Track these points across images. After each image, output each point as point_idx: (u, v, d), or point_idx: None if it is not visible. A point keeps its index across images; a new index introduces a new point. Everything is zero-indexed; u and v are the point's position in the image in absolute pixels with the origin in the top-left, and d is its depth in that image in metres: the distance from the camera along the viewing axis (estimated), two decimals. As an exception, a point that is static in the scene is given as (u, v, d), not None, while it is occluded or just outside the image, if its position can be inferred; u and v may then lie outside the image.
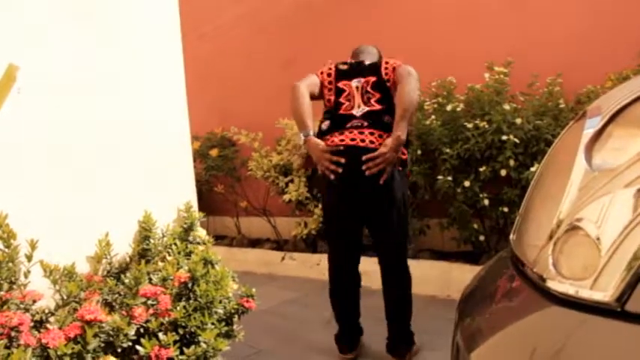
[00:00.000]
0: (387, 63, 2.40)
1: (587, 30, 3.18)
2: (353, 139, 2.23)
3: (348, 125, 2.29)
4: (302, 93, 2.33)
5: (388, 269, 2.36)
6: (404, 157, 2.28)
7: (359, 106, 2.33)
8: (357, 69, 2.42)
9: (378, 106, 2.31)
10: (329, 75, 2.45)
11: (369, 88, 2.34)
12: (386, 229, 2.32)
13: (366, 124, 2.27)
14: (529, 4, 3.45)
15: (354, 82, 2.38)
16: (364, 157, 2.17)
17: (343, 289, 2.42)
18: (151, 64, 2.15)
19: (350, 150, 2.21)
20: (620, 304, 0.65)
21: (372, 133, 2.24)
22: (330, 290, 2.43)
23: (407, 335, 2.36)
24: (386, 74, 2.36)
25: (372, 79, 2.36)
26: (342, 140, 2.25)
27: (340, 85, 2.40)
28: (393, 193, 2.25)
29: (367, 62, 2.46)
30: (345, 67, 2.45)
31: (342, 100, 2.37)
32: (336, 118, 2.35)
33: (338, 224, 2.40)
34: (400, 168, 2.28)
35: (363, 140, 2.22)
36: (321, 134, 2.37)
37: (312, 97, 2.40)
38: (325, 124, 2.38)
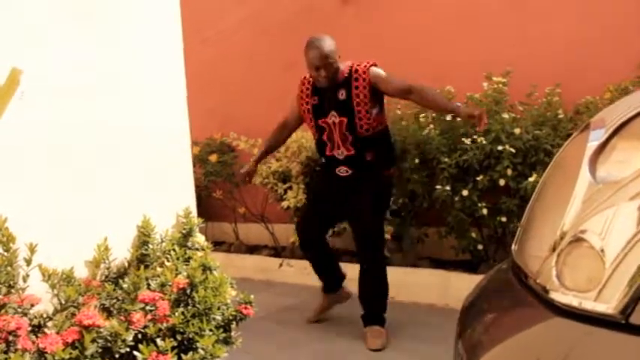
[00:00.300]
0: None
1: (586, 41, 3.20)
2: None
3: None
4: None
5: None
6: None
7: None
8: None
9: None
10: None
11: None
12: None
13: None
14: (528, 14, 3.47)
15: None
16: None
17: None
18: (152, 68, 2.15)
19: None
20: (624, 316, 0.65)
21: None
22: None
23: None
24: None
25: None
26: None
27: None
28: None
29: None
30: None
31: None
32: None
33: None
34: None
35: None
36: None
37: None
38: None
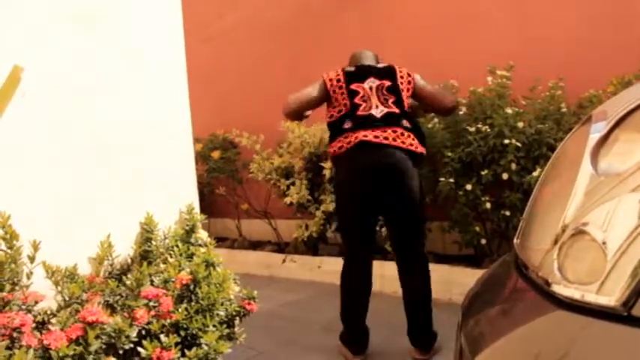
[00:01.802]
0: (401, 71, 2.44)
1: (589, 34, 3.18)
2: (377, 137, 2.25)
3: (370, 127, 2.28)
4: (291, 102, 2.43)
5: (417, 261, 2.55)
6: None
7: (377, 107, 2.32)
8: (366, 71, 2.43)
9: (396, 109, 2.33)
10: (338, 80, 2.41)
11: (384, 91, 2.36)
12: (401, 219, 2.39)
13: (388, 129, 2.28)
14: (531, 8, 3.46)
15: (367, 84, 2.37)
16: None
17: (360, 287, 2.41)
18: (155, 65, 2.15)
19: (375, 147, 2.25)
20: (626, 308, 0.64)
21: (394, 131, 2.27)
22: (343, 290, 2.41)
23: (431, 328, 2.44)
24: (401, 83, 2.40)
25: (387, 82, 2.37)
26: (365, 136, 2.25)
27: (353, 87, 2.37)
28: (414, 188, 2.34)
29: (378, 65, 2.48)
30: (352, 69, 2.45)
31: (357, 101, 2.34)
32: (357, 120, 2.32)
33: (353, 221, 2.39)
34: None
35: (386, 138, 2.25)
36: (342, 131, 2.33)
37: (308, 107, 2.46)
38: (347, 124, 2.33)
